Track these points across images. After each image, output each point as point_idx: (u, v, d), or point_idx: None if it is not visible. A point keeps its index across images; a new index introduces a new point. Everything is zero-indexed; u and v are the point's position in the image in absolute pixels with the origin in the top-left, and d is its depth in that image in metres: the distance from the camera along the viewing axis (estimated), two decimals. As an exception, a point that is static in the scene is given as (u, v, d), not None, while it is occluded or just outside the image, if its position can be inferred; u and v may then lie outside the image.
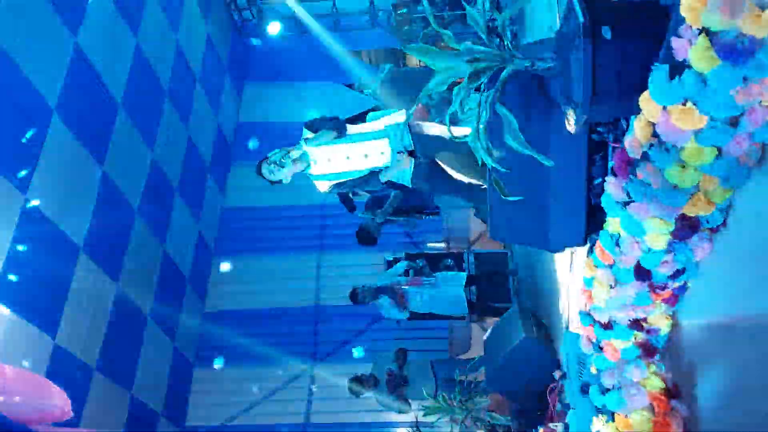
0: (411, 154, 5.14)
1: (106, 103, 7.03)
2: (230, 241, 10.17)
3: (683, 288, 2.93)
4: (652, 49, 2.46)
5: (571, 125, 2.91)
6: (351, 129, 5.17)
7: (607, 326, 3.32)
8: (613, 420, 3.27)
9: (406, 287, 7.53)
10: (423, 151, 5.16)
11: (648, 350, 3.18)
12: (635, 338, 3.21)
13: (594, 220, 3.56)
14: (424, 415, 6.34)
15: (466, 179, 5.34)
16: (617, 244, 2.93)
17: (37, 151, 5.81)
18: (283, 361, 9.21)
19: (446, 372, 7.17)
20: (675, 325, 3.10)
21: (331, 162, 5.16)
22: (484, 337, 5.92)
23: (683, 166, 2.39)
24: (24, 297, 5.61)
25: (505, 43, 2.94)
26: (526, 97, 3.25)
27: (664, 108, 2.32)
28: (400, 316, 7.63)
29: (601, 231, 3.12)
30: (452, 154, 5.18)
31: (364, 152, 5.10)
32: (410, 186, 5.32)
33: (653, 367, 3.17)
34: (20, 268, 5.54)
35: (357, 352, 9.33)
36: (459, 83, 2.95)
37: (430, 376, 7.29)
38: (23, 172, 5.66)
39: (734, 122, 2.20)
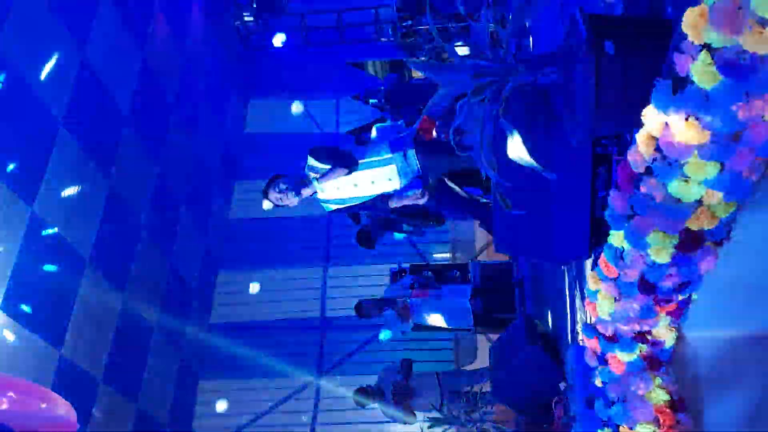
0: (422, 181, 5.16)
1: (112, 115, 7.09)
2: (236, 253, 10.17)
3: (688, 301, 2.93)
4: (654, 64, 2.47)
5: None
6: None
7: (612, 339, 3.31)
8: (619, 433, 3.27)
9: (412, 299, 7.51)
10: (432, 174, 5.19)
11: (653, 363, 3.18)
12: (640, 351, 3.21)
13: (599, 233, 3.56)
14: (430, 427, 6.32)
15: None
16: (621, 258, 2.93)
17: (43, 163, 5.86)
18: (289, 373, 9.19)
19: (452, 383, 7.15)
20: (680, 338, 3.10)
21: (340, 190, 5.21)
22: (490, 348, 5.91)
23: (686, 181, 2.39)
24: (30, 309, 5.63)
25: (509, 57, 2.95)
26: (529, 110, 3.25)
27: (667, 123, 2.33)
28: (403, 329, 7.62)
29: (605, 244, 3.12)
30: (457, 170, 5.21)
31: (371, 179, 5.14)
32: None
33: (658, 380, 3.16)
34: (27, 279, 5.57)
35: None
36: (464, 96, 2.96)
37: (435, 388, 7.26)
38: (30, 184, 5.70)
39: (737, 137, 2.21)
